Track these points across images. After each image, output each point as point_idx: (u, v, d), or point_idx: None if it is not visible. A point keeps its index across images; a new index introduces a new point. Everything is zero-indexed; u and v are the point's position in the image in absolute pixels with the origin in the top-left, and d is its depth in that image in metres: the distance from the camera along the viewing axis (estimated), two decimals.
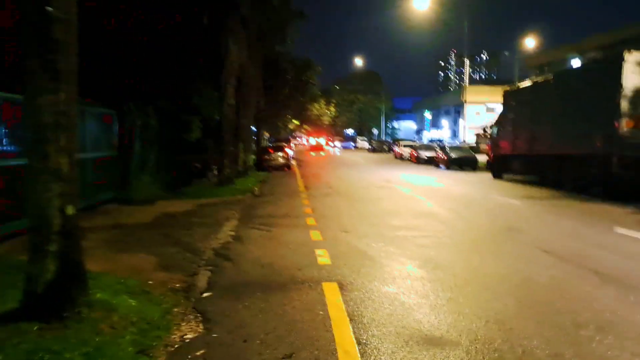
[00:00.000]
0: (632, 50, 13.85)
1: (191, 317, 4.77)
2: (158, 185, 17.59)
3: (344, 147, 77.68)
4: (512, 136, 20.86)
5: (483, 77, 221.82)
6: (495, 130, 23.11)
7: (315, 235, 8.72)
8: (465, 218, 10.85)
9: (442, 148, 32.80)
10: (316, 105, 76.13)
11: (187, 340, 4.22)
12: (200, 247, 7.84)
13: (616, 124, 13.73)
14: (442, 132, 76.38)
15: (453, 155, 30.03)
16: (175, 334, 4.32)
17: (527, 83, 20.99)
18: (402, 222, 10.14)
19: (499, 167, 22.33)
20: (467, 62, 38.72)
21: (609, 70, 14.34)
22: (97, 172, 12.17)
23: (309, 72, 34.38)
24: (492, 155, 23.46)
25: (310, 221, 10.34)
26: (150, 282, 5.75)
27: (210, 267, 6.63)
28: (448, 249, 7.56)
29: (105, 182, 12.86)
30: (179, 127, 20.63)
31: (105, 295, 4.76)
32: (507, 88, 22.43)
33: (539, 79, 20.68)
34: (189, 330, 4.44)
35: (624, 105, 13.67)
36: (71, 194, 4.21)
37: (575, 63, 39.53)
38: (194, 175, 21.56)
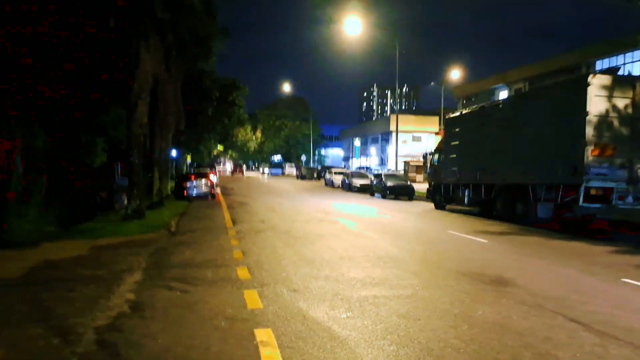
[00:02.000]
0: (596, 73, 12.74)
1: None
2: (48, 221, 14.32)
3: (273, 174, 75.29)
4: (456, 165, 19.47)
5: (404, 108, 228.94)
6: (436, 157, 21.74)
7: (251, 299, 6.20)
8: (437, 265, 8.73)
9: (378, 176, 31.26)
10: (242, 130, 73.42)
11: None
12: (76, 327, 5.18)
13: (582, 153, 12.42)
14: (370, 160, 76.10)
15: (389, 183, 28.52)
16: None
17: (472, 108, 19.78)
18: (362, 272, 7.84)
19: (441, 198, 20.86)
20: (397, 91, 37.99)
21: (571, 95, 13.14)
22: None
23: (235, 92, 31.71)
24: (432, 184, 22.03)
25: (243, 273, 7.81)
26: None
27: None
28: (441, 321, 5.32)
29: None
30: (79, 150, 17.36)
31: None
32: (450, 114, 21.18)
33: (487, 103, 19.57)
34: None
35: (589, 131, 12.42)
36: None
37: (502, 94, 40.03)
38: (98, 206, 18.25)
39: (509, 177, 15.61)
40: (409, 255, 9.65)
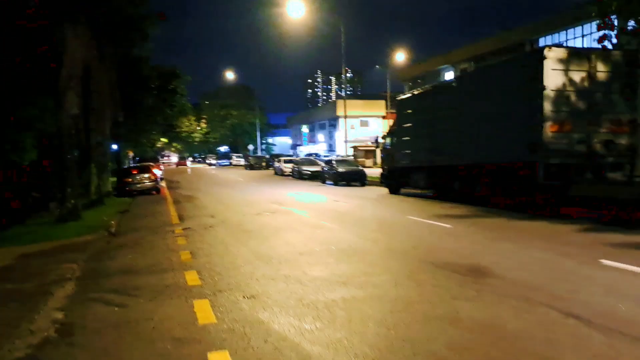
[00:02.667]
0: (552, 46, 12.45)
1: None
2: None
3: (221, 165, 73.36)
4: (410, 147, 19.06)
5: (348, 93, 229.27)
6: (388, 141, 21.28)
7: (203, 311, 5.33)
8: (405, 256, 8.11)
9: (329, 162, 30.62)
10: (186, 121, 70.94)
11: None
12: None
13: (540, 129, 12.15)
14: (318, 147, 75.48)
15: (341, 169, 27.93)
16: None
17: (424, 88, 19.36)
18: (325, 269, 7.10)
19: (395, 182, 20.45)
20: (344, 76, 37.51)
21: (527, 69, 12.79)
22: None
23: (176, 80, 29.97)
24: (386, 168, 21.59)
25: (192, 278, 6.91)
26: None
27: None
28: (424, 326, 4.64)
29: None
30: (3, 146, 15.67)
31: None
32: (401, 96, 20.70)
33: (439, 82, 19.19)
34: None
35: (547, 107, 12.14)
36: None
37: (448, 74, 40.21)
38: (30, 208, 16.64)
39: (466, 157, 15.28)
40: (373, 246, 9.01)
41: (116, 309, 5.67)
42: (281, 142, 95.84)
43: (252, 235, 10.57)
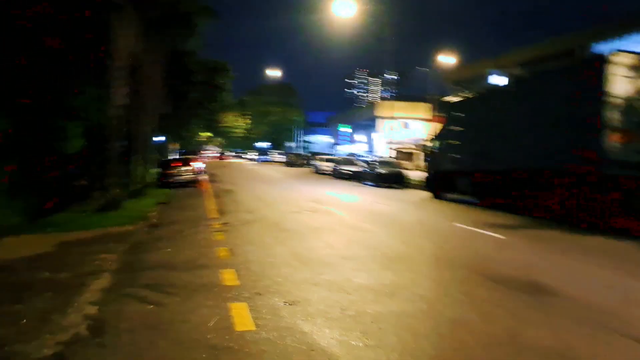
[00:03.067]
0: (618, 52, 11.57)
1: None
2: (14, 212, 12.97)
3: (261, 161, 73.76)
4: (458, 151, 18.33)
5: (392, 94, 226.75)
6: (435, 144, 20.58)
7: (240, 316, 4.98)
8: (457, 267, 7.54)
9: (370, 163, 30.07)
10: (229, 116, 71.60)
11: None
12: None
13: (600, 138, 11.31)
14: (358, 147, 74.86)
15: (381, 171, 27.35)
16: None
17: (478, 91, 18.59)
18: (370, 277, 6.64)
19: (440, 186, 19.73)
20: (387, 77, 36.88)
21: (588, 75, 11.94)
22: None
23: (221, 75, 29.98)
24: (431, 172, 20.89)
25: (229, 277, 6.58)
26: None
27: None
28: (491, 352, 4.13)
29: None
30: (51, 135, 15.87)
31: None
32: (451, 98, 19.98)
33: (492, 86, 18.40)
34: None
35: (609, 115, 11.29)
36: None
37: (496, 79, 38.92)
38: (77, 196, 16.83)
39: (517, 164, 14.48)
40: (419, 254, 8.48)
41: (150, 307, 5.39)
42: (319, 141, 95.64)
43: (291, 234, 10.21)
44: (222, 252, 8.39)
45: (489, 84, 36.66)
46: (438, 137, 20.36)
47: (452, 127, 18.91)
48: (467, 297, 5.78)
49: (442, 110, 19.32)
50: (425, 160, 21.32)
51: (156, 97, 20.64)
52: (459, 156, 18.32)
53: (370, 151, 69.51)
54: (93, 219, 11.94)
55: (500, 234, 10.64)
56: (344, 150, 76.01)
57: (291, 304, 5.39)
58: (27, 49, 13.87)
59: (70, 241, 9.58)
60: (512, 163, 14.69)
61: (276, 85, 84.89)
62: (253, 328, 4.63)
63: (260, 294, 5.78)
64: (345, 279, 6.48)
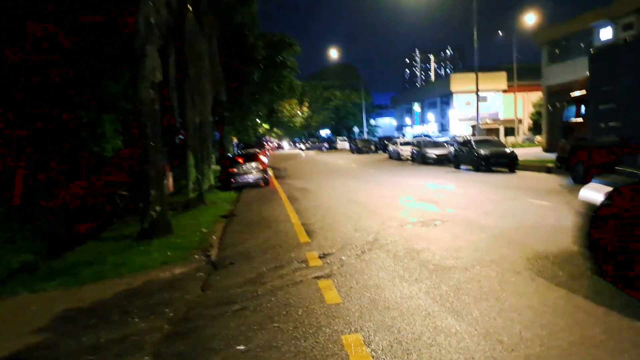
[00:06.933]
0: None
1: None
2: (24, 246, 9.36)
3: (327, 149, 69.80)
4: (619, 117, 13.17)
5: (449, 72, 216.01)
6: (573, 111, 15.49)
7: None
8: None
9: (465, 143, 25.07)
10: (287, 105, 67.77)
11: None
12: None
13: None
14: (429, 127, 69.13)
15: (484, 152, 22.35)
16: None
17: None
18: None
19: (586, 169, 14.63)
20: (474, 38, 31.61)
21: None
22: None
23: (285, 51, 25.49)
24: (569, 148, 15.80)
25: None
26: None
27: None
28: None
29: None
30: (80, 133, 12.22)
31: None
32: (599, 46, 14.73)
33: None
34: None
35: None
36: None
37: (605, 32, 32.55)
38: (118, 210, 13.27)
39: None
40: None
41: None
42: (384, 124, 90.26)
43: (443, 276, 5.81)
44: (349, 339, 4.14)
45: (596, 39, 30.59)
46: (578, 100, 15.23)
47: (606, 86, 13.72)
48: None
49: (595, 64, 14.08)
50: (564, 135, 16.16)
51: (210, 78, 16.72)
52: (619, 124, 13.15)
53: (444, 130, 63.66)
54: (125, 255, 8.03)
55: None
56: (413, 131, 70.47)
57: None
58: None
59: (79, 309, 5.74)
60: None
61: (338, 67, 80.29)
62: None
63: None
64: None
